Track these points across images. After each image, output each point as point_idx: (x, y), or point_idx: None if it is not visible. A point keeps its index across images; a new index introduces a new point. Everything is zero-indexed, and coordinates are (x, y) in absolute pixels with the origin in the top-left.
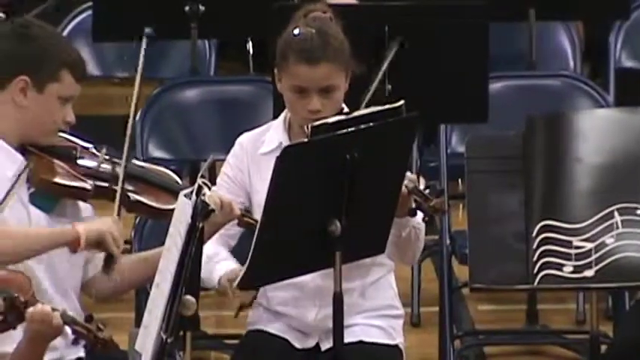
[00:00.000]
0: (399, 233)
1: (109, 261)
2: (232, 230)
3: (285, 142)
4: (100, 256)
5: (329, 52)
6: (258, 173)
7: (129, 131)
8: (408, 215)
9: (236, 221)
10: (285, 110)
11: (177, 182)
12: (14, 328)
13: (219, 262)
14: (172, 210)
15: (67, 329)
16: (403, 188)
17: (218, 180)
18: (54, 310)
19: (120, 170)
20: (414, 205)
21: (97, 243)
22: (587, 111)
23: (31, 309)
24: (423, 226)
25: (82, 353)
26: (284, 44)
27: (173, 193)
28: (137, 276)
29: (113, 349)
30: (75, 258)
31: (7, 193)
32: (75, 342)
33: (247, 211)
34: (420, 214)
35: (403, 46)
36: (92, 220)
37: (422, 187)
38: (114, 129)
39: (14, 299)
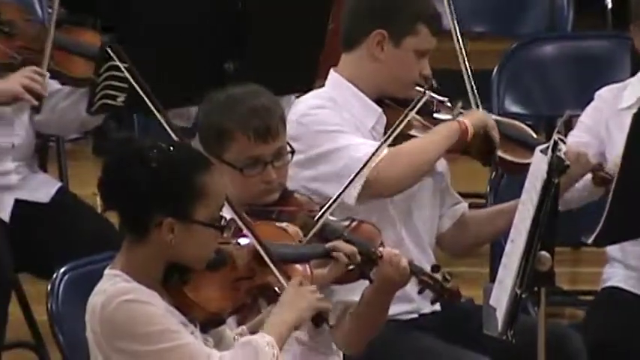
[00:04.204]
0: None
1: (491, 149)
2: None
3: None
4: (455, 209)
5: None
6: (616, 127)
7: (469, 86)
8: None
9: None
10: None
11: (532, 136)
12: (369, 279)
13: None
14: (527, 164)
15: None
16: None
17: (575, 128)
18: None
19: None
20: None
21: (481, 132)
22: None
23: (381, 248)
24: None
25: (437, 306)
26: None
27: (529, 147)
28: (492, 228)
29: (459, 300)
30: (433, 211)
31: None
32: (420, 292)
33: (601, 166)
34: None
35: None
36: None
37: None
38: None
39: (371, 253)
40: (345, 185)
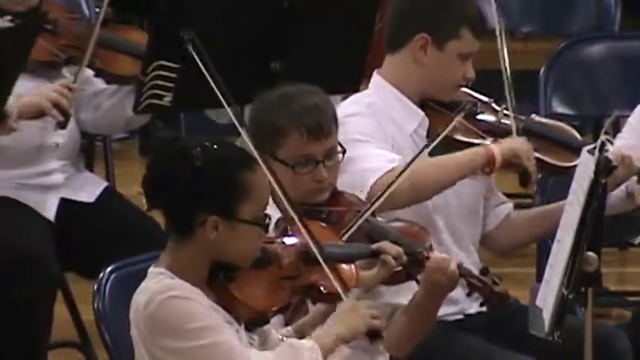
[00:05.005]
0: None
1: (526, 178)
2: None
3: None
4: (500, 209)
5: None
6: None
7: (507, 88)
8: None
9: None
10: None
11: (577, 139)
12: (416, 280)
13: None
14: (569, 167)
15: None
16: None
17: (623, 129)
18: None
19: (513, 125)
20: None
21: (511, 161)
22: None
23: (430, 254)
24: None
25: (483, 307)
26: None
27: (572, 149)
28: (537, 230)
29: (508, 303)
30: (474, 210)
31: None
32: (469, 295)
33: None
34: None
35: None
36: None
37: None
38: (515, 84)
39: (417, 254)
40: (389, 184)
